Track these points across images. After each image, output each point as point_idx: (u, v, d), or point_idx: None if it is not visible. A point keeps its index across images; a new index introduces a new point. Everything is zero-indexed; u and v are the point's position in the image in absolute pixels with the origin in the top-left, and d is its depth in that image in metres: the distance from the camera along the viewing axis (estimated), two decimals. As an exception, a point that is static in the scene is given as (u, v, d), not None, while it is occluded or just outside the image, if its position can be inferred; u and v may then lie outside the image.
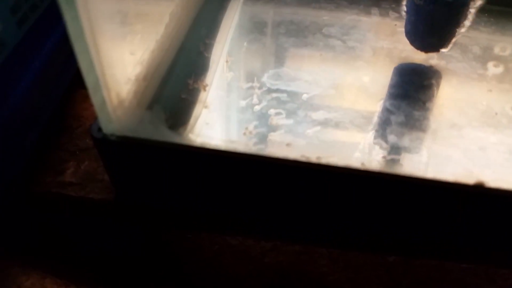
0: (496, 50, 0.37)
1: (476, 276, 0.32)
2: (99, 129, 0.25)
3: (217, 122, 0.31)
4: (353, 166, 0.26)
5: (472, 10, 0.33)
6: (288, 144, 0.28)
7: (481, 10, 0.34)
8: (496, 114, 0.32)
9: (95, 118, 0.25)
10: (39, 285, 0.30)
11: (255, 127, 0.30)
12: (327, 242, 0.32)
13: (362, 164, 0.27)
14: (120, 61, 0.25)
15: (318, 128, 0.30)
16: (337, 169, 0.27)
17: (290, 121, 0.30)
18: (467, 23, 0.33)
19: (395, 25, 0.38)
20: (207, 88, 0.32)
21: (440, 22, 0.33)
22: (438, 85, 0.35)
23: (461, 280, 0.32)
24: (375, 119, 0.31)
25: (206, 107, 0.31)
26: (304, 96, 0.32)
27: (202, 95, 0.31)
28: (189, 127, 0.29)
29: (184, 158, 0.26)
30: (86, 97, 0.35)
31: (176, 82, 0.31)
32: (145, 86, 0.28)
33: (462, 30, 0.33)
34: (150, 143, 0.25)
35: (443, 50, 0.35)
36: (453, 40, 0.34)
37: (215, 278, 0.31)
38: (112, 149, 0.26)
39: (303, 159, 0.26)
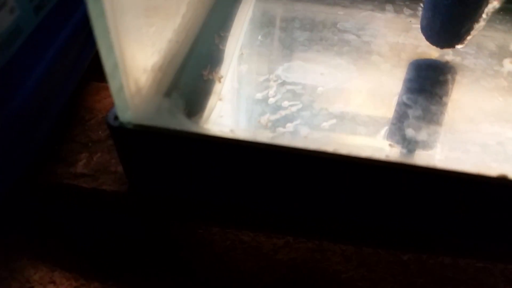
0: (513, 47, 0.37)
1: (492, 275, 0.32)
2: (116, 117, 0.25)
3: (232, 113, 0.30)
4: (373, 157, 0.26)
5: (491, 7, 0.32)
6: (304, 136, 0.28)
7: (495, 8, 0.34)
8: (514, 110, 0.32)
9: (108, 110, 0.25)
10: (48, 278, 0.29)
11: (271, 118, 0.29)
12: (341, 238, 0.31)
13: (382, 155, 0.27)
14: (138, 48, 0.25)
15: (334, 121, 0.30)
16: (355, 159, 0.26)
17: (306, 113, 0.30)
18: (483, 20, 0.33)
19: (410, 21, 0.38)
20: (222, 80, 0.31)
21: (457, 18, 0.32)
22: (454, 80, 0.34)
23: (476, 279, 0.32)
24: (392, 112, 0.31)
25: (221, 99, 0.30)
26: (320, 89, 0.32)
27: (217, 87, 0.31)
28: (204, 117, 0.29)
29: (202, 147, 0.26)
30: (99, 89, 0.35)
31: (192, 73, 0.31)
32: (161, 76, 0.27)
33: (479, 26, 0.33)
34: (167, 132, 0.25)
35: (458, 46, 0.34)
36: (469, 36, 0.34)
37: (226, 273, 0.30)
38: (129, 138, 0.25)
39: (320, 149, 0.26)
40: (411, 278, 0.32)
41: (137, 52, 0.24)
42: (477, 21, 0.33)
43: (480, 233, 0.29)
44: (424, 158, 0.28)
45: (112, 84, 0.23)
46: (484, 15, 0.33)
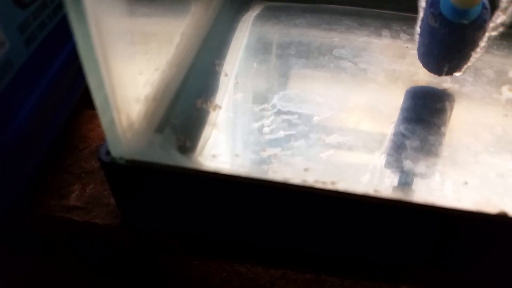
0: (511, 74, 0.36)
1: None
2: (108, 152, 0.24)
3: (226, 146, 0.30)
4: (367, 194, 0.25)
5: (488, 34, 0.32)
6: (302, 169, 0.27)
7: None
8: (514, 140, 0.31)
9: (101, 139, 0.25)
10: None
11: (265, 150, 0.29)
12: (338, 270, 0.31)
13: (376, 191, 0.26)
14: (130, 81, 0.24)
15: (330, 152, 0.30)
16: (351, 196, 0.26)
17: (301, 144, 0.30)
18: (481, 47, 0.33)
19: (407, 47, 0.38)
20: (217, 110, 0.31)
21: (455, 45, 0.32)
22: (452, 109, 0.34)
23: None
24: (389, 143, 0.31)
25: (216, 128, 0.30)
26: (316, 119, 0.32)
27: (212, 117, 0.31)
28: (198, 149, 0.28)
29: (195, 183, 0.25)
30: (92, 117, 0.34)
31: (186, 103, 0.31)
32: (154, 107, 0.27)
33: (477, 53, 0.33)
34: (160, 167, 0.24)
35: (456, 74, 0.34)
36: (467, 64, 0.33)
37: (223, 306, 0.30)
38: (121, 173, 0.25)
39: (315, 185, 0.26)
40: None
41: (128, 86, 0.24)
42: (475, 48, 0.32)
43: (470, 267, 0.29)
44: (419, 192, 0.27)
45: (103, 120, 0.23)
46: (482, 43, 0.32)
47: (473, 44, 0.32)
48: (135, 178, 0.25)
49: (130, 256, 0.30)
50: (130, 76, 0.24)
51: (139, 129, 0.25)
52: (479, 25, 0.31)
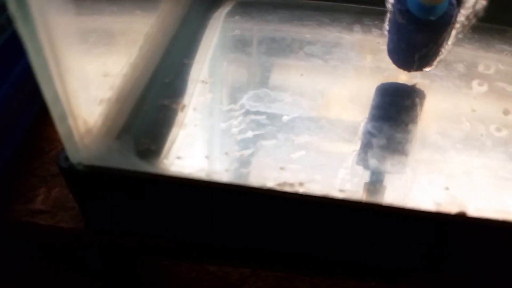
0: (481, 68, 0.36)
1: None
2: (66, 158, 0.24)
3: (193, 146, 0.30)
4: (331, 196, 0.25)
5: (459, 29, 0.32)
6: (270, 170, 0.27)
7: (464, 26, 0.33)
8: (482, 135, 0.31)
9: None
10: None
11: (233, 151, 0.29)
12: (308, 269, 0.31)
13: (341, 191, 0.26)
14: (87, 88, 0.24)
15: (298, 152, 0.29)
16: (315, 198, 0.26)
17: (269, 145, 0.30)
18: (451, 42, 0.32)
19: (378, 43, 0.38)
20: (184, 110, 0.31)
21: (423, 42, 0.32)
22: (421, 105, 0.34)
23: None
24: (357, 142, 0.31)
25: (183, 129, 0.30)
26: (285, 118, 0.32)
27: (179, 118, 0.30)
28: (164, 152, 0.28)
29: (154, 187, 0.25)
30: (59, 119, 0.34)
31: (152, 105, 0.30)
32: (116, 111, 0.27)
33: (447, 48, 0.33)
34: (117, 172, 0.24)
35: (426, 69, 0.34)
36: (437, 59, 0.33)
37: (191, 307, 0.30)
38: (79, 178, 0.25)
39: (280, 188, 0.26)
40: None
41: (86, 93, 0.23)
42: (443, 44, 0.32)
43: (446, 265, 0.29)
44: (385, 192, 0.27)
45: (59, 127, 0.23)
46: (450, 38, 0.32)
47: (441, 40, 0.32)
48: (94, 184, 0.25)
49: (98, 259, 0.30)
50: (87, 83, 0.24)
51: (98, 135, 0.25)
52: (446, 21, 0.31)
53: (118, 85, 0.27)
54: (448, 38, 0.32)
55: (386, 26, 0.33)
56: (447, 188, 0.28)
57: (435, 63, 0.33)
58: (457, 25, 0.31)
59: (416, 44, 0.32)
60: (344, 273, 0.31)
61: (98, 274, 0.30)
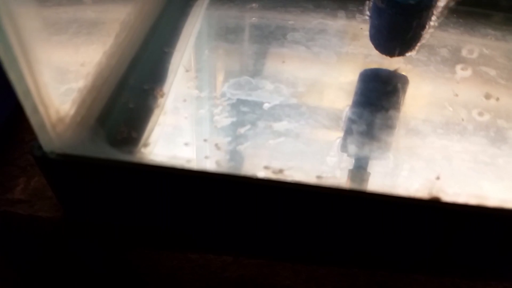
0: (464, 53, 0.36)
1: (442, 285, 0.31)
2: (39, 147, 0.24)
3: (173, 134, 0.30)
4: (310, 182, 0.25)
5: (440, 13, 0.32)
6: (251, 157, 0.27)
7: (449, 11, 0.33)
8: (463, 120, 0.31)
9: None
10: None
11: (211, 139, 0.29)
12: (289, 256, 0.31)
13: (318, 177, 0.26)
14: (59, 78, 0.24)
15: (279, 139, 0.29)
16: (293, 185, 0.26)
17: (250, 133, 0.29)
18: (432, 26, 0.32)
19: (361, 28, 0.37)
20: (163, 98, 0.31)
21: (403, 26, 0.32)
22: (403, 90, 0.34)
23: (428, 290, 0.31)
24: (337, 128, 0.30)
25: (162, 117, 0.30)
26: (266, 106, 0.31)
27: (159, 106, 0.30)
28: (143, 139, 0.28)
29: (126, 175, 0.25)
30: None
31: (131, 93, 0.30)
32: (91, 100, 0.27)
33: (428, 33, 0.32)
34: (90, 160, 0.24)
35: (408, 54, 0.34)
36: (419, 43, 0.33)
37: (172, 295, 0.30)
38: (52, 167, 0.25)
39: (259, 175, 0.26)
40: (360, 291, 0.31)
41: (57, 83, 0.23)
42: (424, 28, 0.32)
43: (426, 252, 0.29)
44: (365, 178, 0.27)
45: (32, 117, 0.23)
46: (431, 22, 0.32)
47: (422, 24, 0.32)
48: (67, 172, 0.25)
49: (77, 247, 0.30)
50: (58, 71, 0.24)
51: (71, 124, 0.25)
52: (426, 4, 0.31)
53: (92, 74, 0.27)
54: (428, 22, 0.32)
55: (368, 11, 0.33)
56: (426, 173, 0.28)
57: (417, 47, 0.33)
58: (437, 9, 0.31)
59: (397, 28, 0.32)
60: (325, 260, 0.31)
61: (77, 265, 0.30)
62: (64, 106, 0.24)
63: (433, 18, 0.32)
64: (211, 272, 0.31)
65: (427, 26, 0.32)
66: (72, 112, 0.25)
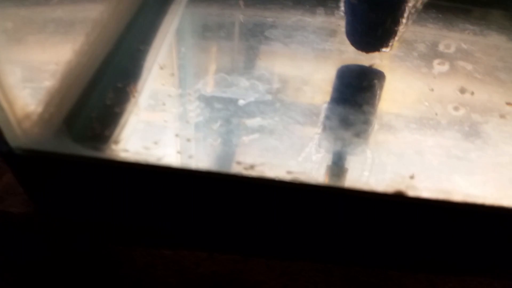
0: (442, 48, 0.36)
1: (417, 281, 0.31)
2: (6, 143, 0.25)
3: (144, 131, 0.30)
4: (281, 178, 0.25)
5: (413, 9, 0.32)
6: (223, 154, 0.28)
7: (429, 6, 0.33)
8: (437, 114, 0.31)
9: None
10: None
11: (183, 136, 0.29)
12: (263, 251, 0.31)
13: (289, 173, 0.26)
14: (25, 76, 0.24)
15: (250, 136, 0.29)
16: (264, 181, 0.26)
17: (221, 129, 0.30)
18: (405, 22, 0.32)
19: (339, 25, 0.37)
20: (137, 96, 0.31)
21: (376, 22, 0.32)
22: (379, 86, 0.34)
23: (401, 285, 0.31)
24: (311, 124, 0.31)
25: (134, 114, 0.30)
26: (241, 102, 0.31)
27: (131, 103, 0.30)
28: (113, 136, 0.28)
29: (96, 171, 0.25)
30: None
31: (104, 91, 0.30)
32: (60, 98, 0.27)
33: (402, 28, 0.32)
34: (55, 156, 0.24)
35: (384, 50, 0.34)
36: (394, 39, 0.33)
37: (145, 291, 0.30)
38: (19, 162, 0.25)
39: (231, 171, 0.26)
40: (333, 285, 0.31)
41: (23, 81, 0.24)
42: (397, 23, 0.32)
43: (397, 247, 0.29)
44: (336, 174, 0.27)
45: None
46: (404, 18, 0.32)
47: (395, 20, 0.32)
48: (34, 168, 0.25)
49: (48, 245, 0.30)
50: (25, 69, 0.24)
51: (39, 120, 0.25)
52: (398, 0, 0.31)
53: (61, 73, 0.27)
54: (402, 17, 0.32)
55: (343, 8, 0.33)
56: (396, 168, 0.28)
57: (391, 43, 0.33)
58: (410, 4, 0.31)
59: (370, 24, 0.32)
60: (299, 255, 0.31)
61: (49, 262, 0.30)
62: (30, 104, 0.25)
63: (408, 13, 0.32)
64: (185, 268, 0.31)
65: (401, 22, 0.32)
66: (39, 109, 0.25)
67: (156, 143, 0.29)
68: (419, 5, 0.32)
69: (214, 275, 0.31)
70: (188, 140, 0.29)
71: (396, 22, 0.32)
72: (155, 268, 0.31)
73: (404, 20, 0.32)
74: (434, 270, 0.31)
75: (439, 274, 0.31)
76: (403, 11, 0.31)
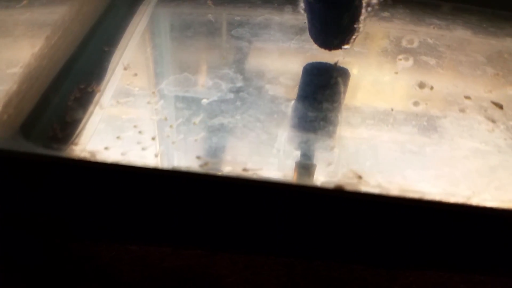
0: (406, 43, 0.36)
1: (378, 274, 0.32)
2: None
3: (106, 132, 0.30)
4: (237, 175, 0.26)
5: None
6: (183, 153, 0.28)
7: (397, 1, 0.33)
8: (392, 110, 0.31)
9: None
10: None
11: (144, 136, 0.30)
12: (227, 247, 0.31)
13: (245, 170, 0.27)
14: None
15: (210, 134, 0.30)
16: (221, 178, 0.26)
17: (182, 128, 0.30)
18: (364, 19, 0.32)
19: (304, 23, 0.38)
20: (99, 96, 0.32)
21: (332, 19, 0.32)
22: (343, 83, 0.34)
23: (362, 278, 0.32)
24: (272, 122, 0.31)
25: (96, 115, 0.31)
26: (204, 102, 0.32)
27: (93, 104, 0.31)
28: (73, 137, 0.29)
29: (55, 171, 0.26)
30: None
31: (66, 92, 0.31)
32: (19, 100, 0.28)
33: (361, 25, 0.33)
34: (6, 154, 0.25)
35: (345, 47, 0.34)
36: (354, 36, 0.33)
37: (109, 286, 0.31)
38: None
39: (189, 169, 0.26)
40: (295, 279, 0.32)
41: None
42: (355, 21, 0.32)
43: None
44: (289, 172, 0.28)
45: None
46: (362, 15, 0.32)
47: (352, 17, 0.32)
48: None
49: (15, 239, 0.31)
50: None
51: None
52: (353, -3, 0.31)
53: (19, 75, 0.28)
54: (359, 14, 0.32)
55: (303, 5, 0.34)
56: (347, 164, 0.28)
57: (352, 40, 0.34)
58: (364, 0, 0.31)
59: (328, 22, 0.32)
60: (261, 250, 0.31)
61: (15, 258, 0.31)
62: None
63: (367, 11, 0.32)
64: (150, 263, 0.32)
65: (359, 19, 0.32)
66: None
67: (116, 141, 0.30)
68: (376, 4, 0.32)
69: (179, 270, 0.32)
70: (151, 139, 0.29)
71: (353, 19, 0.32)
72: (120, 262, 0.32)
73: (362, 17, 0.32)
74: (394, 265, 0.31)
75: (401, 269, 0.31)
76: (360, 7, 0.32)
